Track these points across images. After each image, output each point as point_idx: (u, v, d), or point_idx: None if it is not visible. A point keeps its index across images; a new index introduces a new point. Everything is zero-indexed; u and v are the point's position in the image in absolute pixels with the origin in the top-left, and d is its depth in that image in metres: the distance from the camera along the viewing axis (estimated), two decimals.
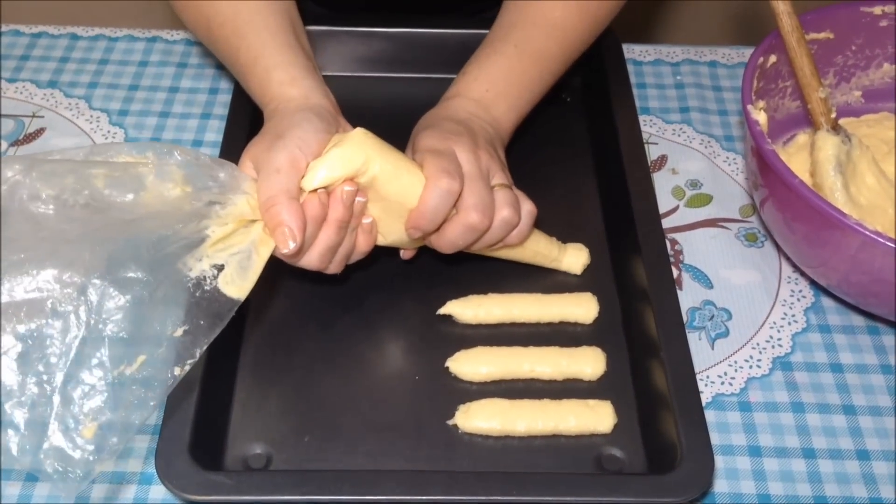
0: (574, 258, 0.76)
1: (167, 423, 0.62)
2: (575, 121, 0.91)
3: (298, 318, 0.74)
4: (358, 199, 0.61)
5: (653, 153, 0.89)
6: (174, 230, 0.55)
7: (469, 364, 0.70)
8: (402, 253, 0.71)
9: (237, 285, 0.58)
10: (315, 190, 0.60)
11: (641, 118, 0.92)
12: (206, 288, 0.56)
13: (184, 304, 0.56)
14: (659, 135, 0.91)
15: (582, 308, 0.74)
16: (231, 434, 0.67)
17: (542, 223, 0.75)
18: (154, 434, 0.68)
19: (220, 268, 0.57)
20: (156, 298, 0.54)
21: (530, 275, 0.77)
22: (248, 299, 0.74)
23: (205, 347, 0.56)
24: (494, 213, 0.64)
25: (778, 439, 0.68)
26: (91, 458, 0.51)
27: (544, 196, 0.75)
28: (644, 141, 0.89)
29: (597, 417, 0.67)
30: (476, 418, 0.67)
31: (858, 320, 0.76)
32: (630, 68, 0.96)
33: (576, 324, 0.74)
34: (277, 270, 0.65)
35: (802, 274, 0.78)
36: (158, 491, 0.65)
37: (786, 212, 0.72)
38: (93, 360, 0.51)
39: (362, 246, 0.65)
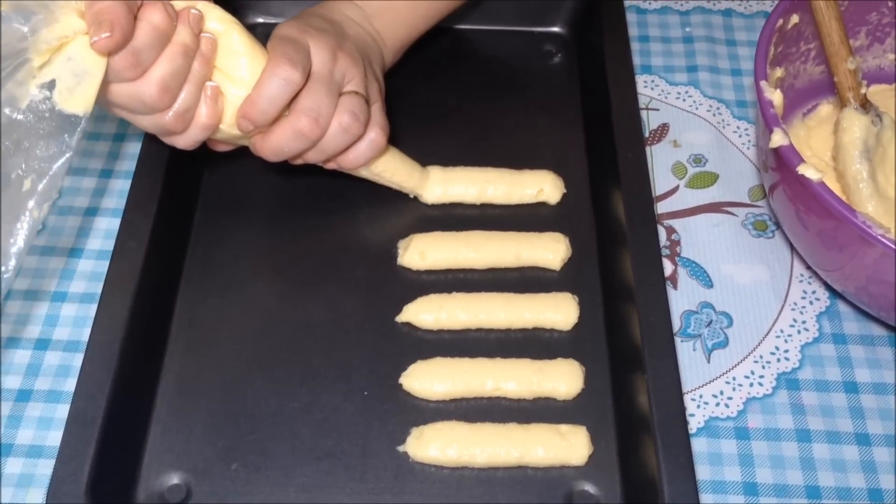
0: (552, 252, 0.66)
1: (64, 452, 0.53)
2: (563, 82, 0.80)
3: (235, 319, 0.65)
4: (205, 34, 0.54)
5: (653, 121, 0.78)
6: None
7: (424, 380, 0.61)
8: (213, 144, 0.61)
9: (77, 96, 0.50)
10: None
11: (642, 78, 0.81)
12: (45, 115, 0.50)
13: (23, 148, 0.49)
14: (661, 99, 0.80)
15: (560, 313, 0.64)
16: (146, 461, 0.58)
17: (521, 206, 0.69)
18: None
19: (52, 86, 0.50)
20: None
21: (502, 272, 0.67)
22: (176, 295, 0.65)
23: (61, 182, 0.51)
24: (331, 121, 0.56)
25: (779, 475, 0.59)
26: None
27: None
28: (643, 106, 0.78)
29: (569, 447, 0.58)
30: (429, 445, 0.58)
31: (879, 329, 0.66)
32: (632, 17, 0.85)
33: (552, 330, 0.65)
34: (214, 263, 0.61)
35: (817, 272, 0.68)
36: None
37: (798, 203, 0.62)
38: None
39: (203, 117, 0.55)
